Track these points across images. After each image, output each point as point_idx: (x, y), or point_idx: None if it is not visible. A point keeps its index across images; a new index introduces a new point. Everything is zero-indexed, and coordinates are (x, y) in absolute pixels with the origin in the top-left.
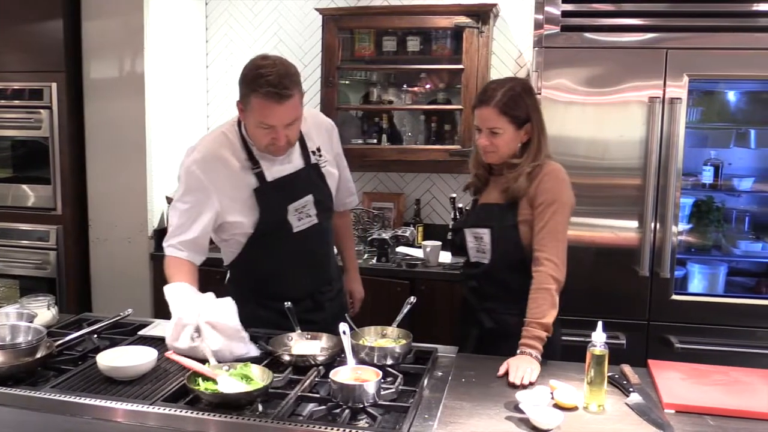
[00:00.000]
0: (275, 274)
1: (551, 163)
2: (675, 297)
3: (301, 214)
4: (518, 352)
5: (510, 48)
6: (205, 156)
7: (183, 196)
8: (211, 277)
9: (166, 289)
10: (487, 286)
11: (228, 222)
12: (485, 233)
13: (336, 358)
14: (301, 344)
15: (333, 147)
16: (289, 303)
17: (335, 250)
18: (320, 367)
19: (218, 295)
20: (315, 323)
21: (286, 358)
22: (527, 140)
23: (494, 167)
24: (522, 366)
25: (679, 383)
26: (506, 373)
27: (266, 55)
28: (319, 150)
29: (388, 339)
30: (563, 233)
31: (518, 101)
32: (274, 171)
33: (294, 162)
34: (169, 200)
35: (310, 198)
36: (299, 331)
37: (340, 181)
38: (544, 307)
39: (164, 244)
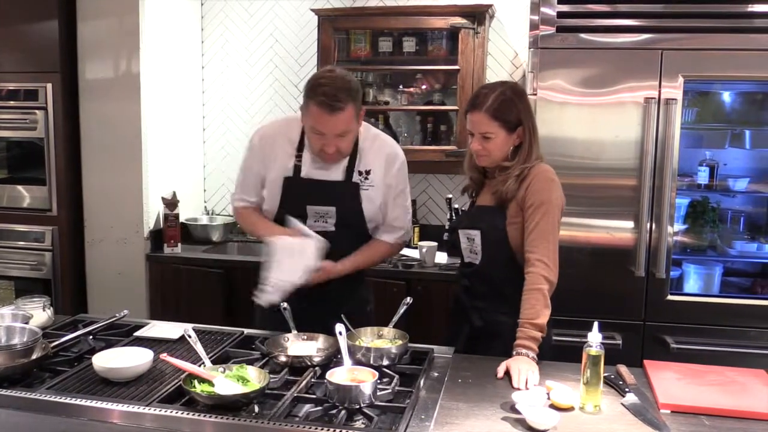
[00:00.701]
0: None
1: (540, 164)
2: (671, 297)
3: (319, 218)
4: (514, 353)
5: (506, 49)
6: (266, 131)
7: (245, 159)
8: (209, 277)
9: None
10: (478, 285)
11: (265, 192)
12: (476, 234)
13: (332, 359)
14: (298, 345)
15: (388, 177)
16: (285, 303)
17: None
18: (317, 368)
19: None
20: (313, 323)
21: (282, 359)
22: (519, 143)
23: (488, 170)
24: (523, 369)
25: (674, 383)
26: (505, 375)
27: (332, 68)
28: (368, 173)
29: (385, 339)
30: (554, 234)
31: (509, 105)
32: (310, 171)
33: (332, 172)
34: (165, 201)
35: (332, 209)
36: (295, 332)
37: (385, 215)
38: (537, 308)
39: (232, 198)
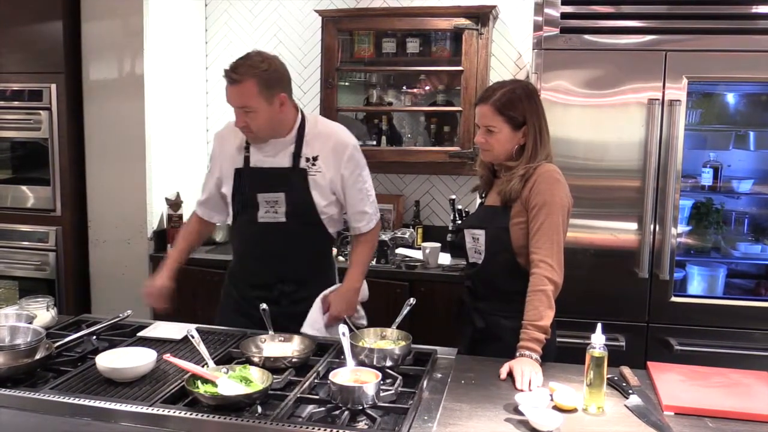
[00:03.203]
0: (241, 255)
1: (546, 164)
2: (674, 299)
3: (270, 208)
4: (517, 354)
5: (509, 50)
6: (219, 133)
7: (209, 162)
8: (213, 277)
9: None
10: (480, 286)
11: (223, 191)
12: (481, 234)
13: (308, 360)
14: (273, 346)
15: (339, 166)
16: (265, 305)
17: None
18: (292, 370)
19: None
20: (291, 321)
21: (256, 360)
22: (525, 143)
23: (497, 169)
24: (526, 370)
25: (678, 385)
26: (508, 376)
27: (255, 51)
28: (315, 159)
29: (388, 340)
30: (558, 235)
31: (516, 103)
32: (258, 160)
33: (279, 159)
34: (169, 201)
35: (281, 196)
36: (271, 332)
37: (345, 203)
38: (540, 309)
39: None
